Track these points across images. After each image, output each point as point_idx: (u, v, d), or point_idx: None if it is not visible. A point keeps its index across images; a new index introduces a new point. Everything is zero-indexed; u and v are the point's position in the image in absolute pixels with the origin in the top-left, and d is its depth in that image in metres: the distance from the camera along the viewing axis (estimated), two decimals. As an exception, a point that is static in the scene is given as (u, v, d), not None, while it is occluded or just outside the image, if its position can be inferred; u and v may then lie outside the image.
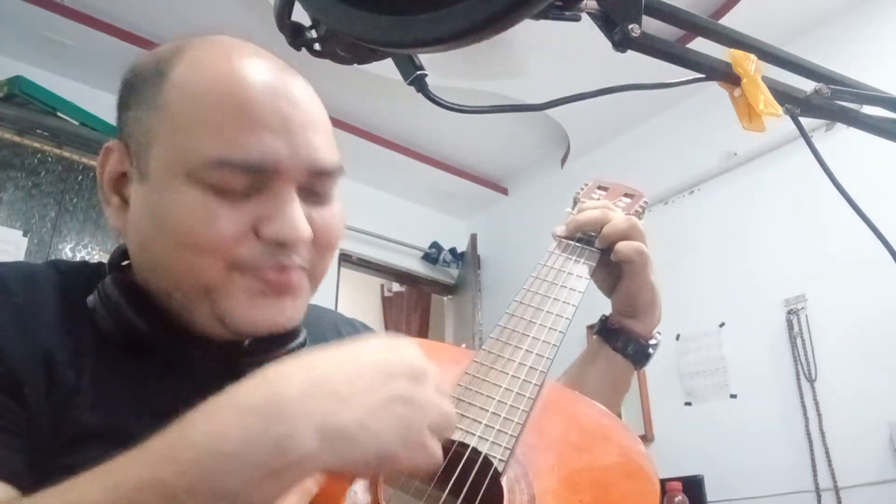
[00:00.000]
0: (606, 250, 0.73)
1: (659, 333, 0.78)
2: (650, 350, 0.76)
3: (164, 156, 0.54)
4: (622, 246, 0.71)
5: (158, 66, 0.57)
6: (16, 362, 0.48)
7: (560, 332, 0.62)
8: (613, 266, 0.74)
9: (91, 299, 0.55)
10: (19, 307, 0.52)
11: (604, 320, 0.78)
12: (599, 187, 0.85)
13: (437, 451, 0.43)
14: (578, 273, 0.70)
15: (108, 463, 0.37)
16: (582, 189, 0.85)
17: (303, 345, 0.61)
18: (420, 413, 0.42)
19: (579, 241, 0.74)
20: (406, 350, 0.45)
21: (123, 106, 0.59)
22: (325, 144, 0.57)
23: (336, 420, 0.38)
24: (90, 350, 0.53)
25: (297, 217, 0.54)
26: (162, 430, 0.38)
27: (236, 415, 0.37)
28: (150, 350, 0.56)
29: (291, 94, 0.56)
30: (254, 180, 0.53)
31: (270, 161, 0.53)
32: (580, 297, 0.67)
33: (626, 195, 0.83)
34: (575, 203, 0.82)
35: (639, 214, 0.80)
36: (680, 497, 1.59)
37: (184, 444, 0.37)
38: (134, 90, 0.58)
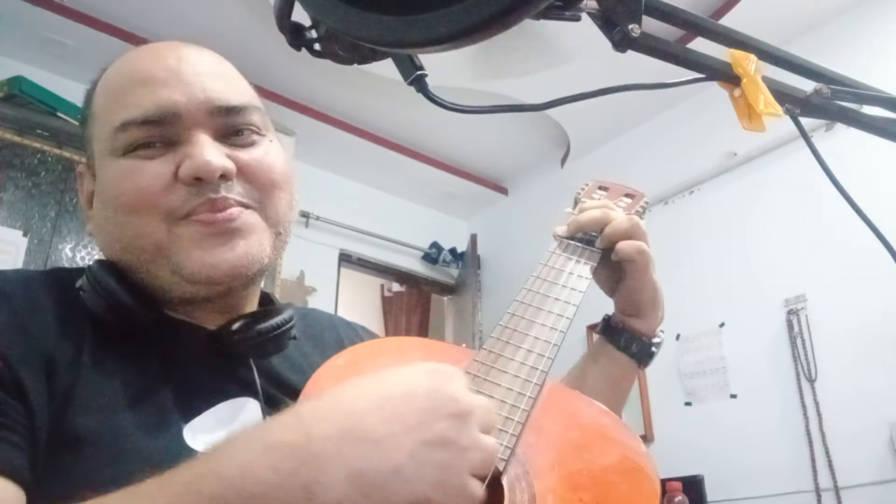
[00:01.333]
0: (608, 250, 0.73)
1: (662, 332, 0.78)
2: (654, 349, 0.76)
3: (96, 148, 0.61)
4: (623, 245, 0.71)
5: (90, 88, 0.64)
6: (18, 364, 0.49)
7: (561, 331, 0.62)
8: (615, 266, 0.74)
9: (80, 281, 0.58)
10: (19, 312, 0.52)
11: (606, 320, 0.78)
12: (600, 187, 0.85)
13: (477, 492, 0.40)
14: (580, 273, 0.70)
15: (134, 489, 0.37)
16: (583, 189, 0.85)
17: (288, 321, 0.62)
18: (462, 457, 0.39)
19: (580, 240, 0.74)
20: (451, 383, 0.42)
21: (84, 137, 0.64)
22: (225, 87, 0.61)
23: (368, 466, 0.37)
24: (87, 352, 0.54)
25: (204, 151, 0.57)
26: (184, 454, 0.37)
27: (267, 453, 0.36)
28: (143, 343, 0.57)
29: (180, 53, 0.62)
30: (162, 134, 0.58)
31: (168, 109, 0.57)
32: (581, 297, 0.67)
33: (626, 195, 0.83)
34: (576, 203, 0.81)
35: (640, 214, 0.79)
36: (680, 497, 1.59)
37: (210, 477, 0.36)
38: (83, 118, 0.64)
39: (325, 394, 0.41)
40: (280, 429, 0.38)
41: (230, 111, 0.60)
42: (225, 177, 0.57)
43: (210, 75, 0.61)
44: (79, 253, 2.50)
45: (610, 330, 0.77)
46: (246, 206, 0.59)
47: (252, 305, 0.67)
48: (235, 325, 0.60)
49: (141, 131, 0.57)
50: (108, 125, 0.58)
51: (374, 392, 0.41)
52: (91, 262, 0.60)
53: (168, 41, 0.63)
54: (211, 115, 0.59)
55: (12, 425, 0.47)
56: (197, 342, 0.59)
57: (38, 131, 2.49)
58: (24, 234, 2.40)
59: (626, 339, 0.76)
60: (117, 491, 0.37)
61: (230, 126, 0.60)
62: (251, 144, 0.61)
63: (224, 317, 0.62)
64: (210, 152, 0.57)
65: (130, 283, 0.58)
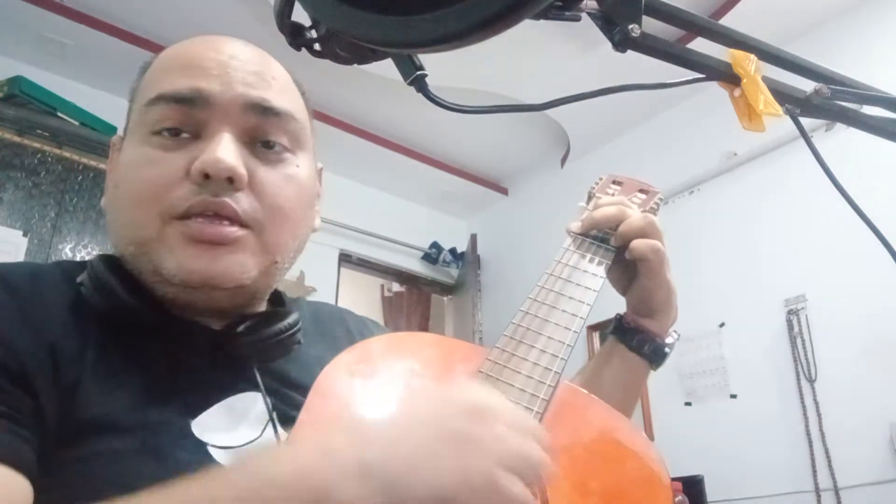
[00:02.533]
0: (622, 248, 0.71)
1: (675, 332, 0.76)
2: (666, 349, 0.74)
3: (129, 124, 0.60)
4: (638, 244, 0.69)
5: (143, 66, 0.63)
6: (25, 357, 0.49)
7: (574, 331, 0.61)
8: (628, 264, 0.72)
9: (81, 276, 0.57)
10: (25, 305, 0.52)
11: (619, 319, 0.76)
12: (614, 182, 0.82)
13: (520, 493, 0.40)
14: (594, 271, 0.68)
15: (181, 490, 0.38)
16: (596, 184, 0.82)
17: (293, 326, 0.62)
18: (484, 452, 0.40)
19: (595, 238, 0.72)
20: (468, 389, 0.45)
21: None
22: (266, 88, 0.59)
23: (383, 463, 0.38)
24: (92, 346, 0.53)
25: (221, 149, 0.55)
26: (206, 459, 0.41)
27: (289, 452, 0.40)
28: (149, 339, 0.56)
29: (233, 49, 0.60)
30: (190, 119, 0.56)
31: (202, 93, 0.56)
32: (595, 296, 0.65)
33: (640, 191, 0.81)
34: (589, 198, 0.80)
35: (654, 211, 0.77)
36: (680, 497, 1.59)
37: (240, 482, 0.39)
38: (131, 92, 0.64)
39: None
40: (297, 438, 0.42)
41: (265, 111, 0.58)
42: (232, 181, 0.55)
43: (256, 74, 0.59)
44: (79, 253, 2.50)
45: (622, 329, 0.75)
46: (244, 226, 0.56)
47: (261, 305, 0.66)
48: (240, 328, 0.58)
49: (170, 109, 0.56)
50: (143, 99, 0.58)
51: (389, 403, 0.46)
52: (93, 258, 0.58)
53: (228, 37, 0.62)
54: (244, 110, 0.57)
55: (21, 419, 0.47)
56: (201, 343, 0.58)
57: (38, 131, 2.49)
58: (24, 234, 2.40)
59: (638, 339, 0.74)
60: (145, 491, 0.39)
61: (261, 130, 0.59)
62: (276, 162, 0.59)
63: (228, 317, 0.60)
64: (224, 151, 0.55)
65: (133, 280, 0.57)
